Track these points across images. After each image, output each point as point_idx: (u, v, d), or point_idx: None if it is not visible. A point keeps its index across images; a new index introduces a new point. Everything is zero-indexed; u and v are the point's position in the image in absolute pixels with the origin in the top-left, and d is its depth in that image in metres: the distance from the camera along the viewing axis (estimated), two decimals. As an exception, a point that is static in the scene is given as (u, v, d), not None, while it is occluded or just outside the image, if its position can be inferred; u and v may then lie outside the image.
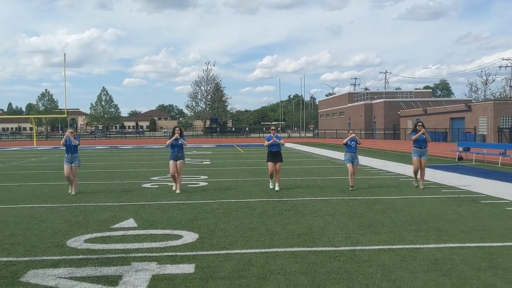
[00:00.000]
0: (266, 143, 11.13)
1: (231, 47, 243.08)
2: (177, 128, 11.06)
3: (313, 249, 5.75)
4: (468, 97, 71.42)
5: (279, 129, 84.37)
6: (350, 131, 11.13)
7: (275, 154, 11.08)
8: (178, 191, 10.68)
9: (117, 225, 7.15)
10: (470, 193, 10.20)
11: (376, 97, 61.66)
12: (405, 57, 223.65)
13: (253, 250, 5.66)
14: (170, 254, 5.51)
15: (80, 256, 5.46)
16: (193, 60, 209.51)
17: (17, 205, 9.19)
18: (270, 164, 11.05)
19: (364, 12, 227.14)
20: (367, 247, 5.80)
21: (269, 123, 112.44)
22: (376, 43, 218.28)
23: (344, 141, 11.14)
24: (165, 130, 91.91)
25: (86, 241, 6.19)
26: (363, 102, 59.84)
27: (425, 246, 5.85)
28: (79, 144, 10.92)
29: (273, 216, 7.82)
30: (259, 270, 4.90)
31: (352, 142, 10.93)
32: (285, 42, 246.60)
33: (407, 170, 15.66)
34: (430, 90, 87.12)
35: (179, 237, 6.36)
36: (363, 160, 20.24)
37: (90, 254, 5.54)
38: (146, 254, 5.50)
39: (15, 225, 7.28)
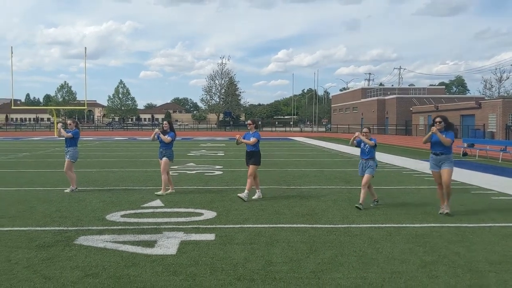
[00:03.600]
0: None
1: (246, 41, 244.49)
2: (165, 122, 10.02)
3: (314, 226, 6.79)
4: (482, 94, 71.46)
5: (291, 123, 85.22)
6: (364, 129, 8.45)
7: (248, 154, 9.12)
8: (161, 192, 9.46)
9: (146, 205, 8.29)
10: (463, 185, 11.11)
11: (389, 93, 62.17)
12: (423, 53, 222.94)
13: (262, 225, 6.73)
14: (194, 226, 6.62)
15: (120, 227, 6.59)
16: (208, 54, 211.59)
17: (55, 188, 10.37)
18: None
19: (382, 7, 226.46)
20: (360, 225, 6.83)
21: (282, 117, 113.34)
22: (394, 38, 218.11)
23: (350, 142, 8.81)
24: (180, 123, 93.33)
25: (122, 216, 7.32)
26: (375, 98, 60.40)
27: (410, 225, 6.86)
28: (72, 137, 10.03)
29: (281, 200, 8.87)
30: (267, 239, 5.97)
31: (366, 146, 8.35)
32: (301, 36, 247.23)
33: (410, 164, 16.59)
34: (444, 86, 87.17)
35: (200, 214, 7.47)
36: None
37: (128, 226, 6.67)
38: (174, 226, 6.61)
39: (58, 203, 8.43)
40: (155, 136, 9.81)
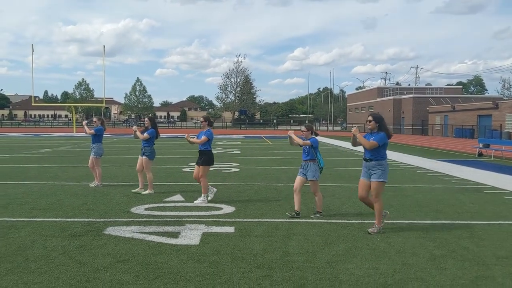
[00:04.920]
0: None
1: (263, 38, 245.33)
2: (146, 119, 9.87)
3: (329, 221, 7.09)
4: (501, 94, 70.67)
5: (306, 121, 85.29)
6: (302, 127, 7.57)
7: (199, 153, 8.55)
8: (139, 190, 9.40)
9: (168, 199, 8.67)
10: (477, 184, 11.29)
11: (405, 92, 61.91)
12: (441, 51, 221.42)
13: (279, 220, 7.06)
14: (214, 219, 6.98)
15: (144, 219, 6.97)
16: (224, 51, 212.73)
17: (79, 182, 10.82)
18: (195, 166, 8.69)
19: (400, 5, 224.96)
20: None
21: (297, 116, 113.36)
22: (411, 36, 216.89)
23: (289, 142, 7.66)
24: (195, 121, 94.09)
25: (146, 209, 7.71)
26: (391, 97, 60.25)
27: (422, 221, 7.12)
28: (96, 134, 10.37)
29: (297, 197, 9.16)
30: (284, 232, 6.29)
31: (306, 146, 7.33)
32: (317, 34, 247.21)
33: (425, 163, 16.74)
34: (461, 86, 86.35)
35: (219, 208, 7.82)
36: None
37: (152, 218, 7.05)
38: (196, 219, 6.98)
39: (84, 197, 8.86)
40: (135, 134, 9.60)
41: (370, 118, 6.50)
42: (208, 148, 8.51)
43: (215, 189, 8.77)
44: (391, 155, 20.39)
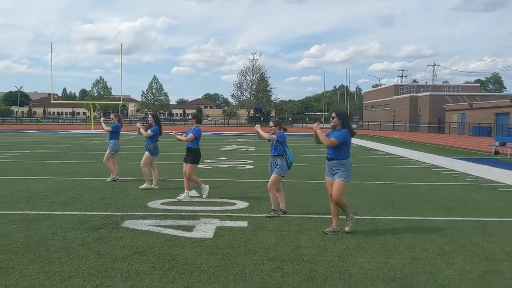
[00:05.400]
0: None
1: (279, 36, 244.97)
2: (149, 116, 10.01)
3: (341, 217, 7.13)
4: (520, 91, 69.48)
5: (322, 119, 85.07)
6: (270, 123, 7.46)
7: (187, 151, 8.63)
8: (153, 186, 9.61)
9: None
10: (491, 182, 11.25)
11: (422, 90, 61.34)
12: (459, 49, 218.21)
13: (292, 215, 7.18)
14: (228, 214, 7.14)
15: (161, 213, 7.16)
16: (240, 49, 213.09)
17: (98, 178, 11.08)
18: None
19: (418, 2, 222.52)
20: (385, 217, 7.19)
21: (313, 113, 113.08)
22: (429, 33, 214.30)
23: (258, 136, 7.65)
24: (211, 119, 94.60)
25: (162, 204, 7.91)
26: (408, 95, 59.76)
27: (434, 218, 7.18)
28: (112, 131, 10.57)
29: (310, 194, 9.29)
30: (296, 227, 6.43)
31: (273, 141, 7.20)
32: (333, 32, 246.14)
33: (440, 161, 16.67)
34: (479, 84, 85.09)
35: (233, 204, 7.99)
36: (401, 151, 21.29)
37: (168, 212, 7.24)
38: (210, 214, 7.15)
39: (102, 192, 9.10)
40: (139, 131, 9.81)
41: (333, 114, 6.27)
42: (195, 146, 8.52)
43: (207, 186, 8.79)
44: (406, 153, 20.34)
